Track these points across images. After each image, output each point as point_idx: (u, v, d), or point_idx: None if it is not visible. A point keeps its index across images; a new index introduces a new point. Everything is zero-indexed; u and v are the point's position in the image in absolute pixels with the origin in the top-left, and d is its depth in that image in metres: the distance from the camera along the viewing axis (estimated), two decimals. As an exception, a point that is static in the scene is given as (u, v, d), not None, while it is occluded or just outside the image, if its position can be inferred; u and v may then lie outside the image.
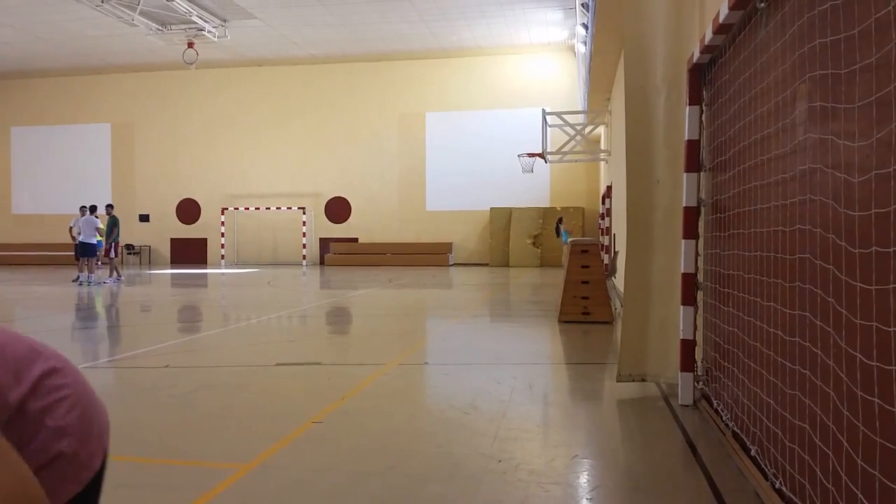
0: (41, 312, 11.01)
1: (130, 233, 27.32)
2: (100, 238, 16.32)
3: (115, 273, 16.78)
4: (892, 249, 1.80)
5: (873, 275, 1.92)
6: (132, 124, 28.32)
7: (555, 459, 3.60)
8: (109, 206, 17.15)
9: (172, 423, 4.36)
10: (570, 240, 9.94)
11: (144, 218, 28.11)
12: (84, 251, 15.94)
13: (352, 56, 25.56)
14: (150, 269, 24.48)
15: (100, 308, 11.71)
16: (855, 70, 2.07)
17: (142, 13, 19.58)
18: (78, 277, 16.23)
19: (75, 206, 17.80)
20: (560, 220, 20.40)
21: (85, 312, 11.18)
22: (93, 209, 16.39)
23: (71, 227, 16.86)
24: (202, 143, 27.58)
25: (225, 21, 21.28)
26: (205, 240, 27.68)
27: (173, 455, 3.73)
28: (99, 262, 16.72)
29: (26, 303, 12.65)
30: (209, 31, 21.12)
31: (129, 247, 27.42)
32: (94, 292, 14.28)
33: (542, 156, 18.97)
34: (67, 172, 28.39)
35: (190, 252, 27.70)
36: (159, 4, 19.13)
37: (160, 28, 20.91)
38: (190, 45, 21.73)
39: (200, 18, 20.35)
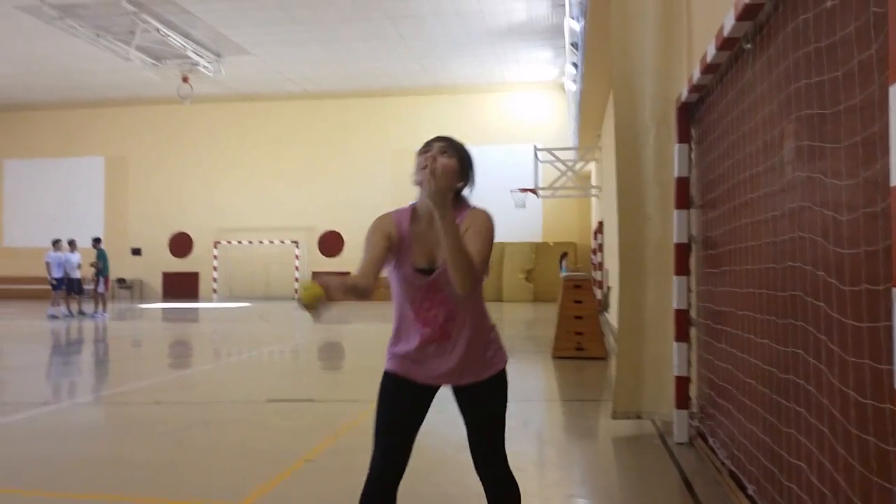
0: (25, 347, 10.88)
1: (122, 266, 27.19)
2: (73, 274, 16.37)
3: (100, 307, 16.66)
4: (881, 287, 1.81)
5: (864, 312, 1.93)
6: (126, 158, 28.39)
7: (550, 499, 3.56)
8: (95, 240, 17.05)
9: (163, 461, 4.29)
10: (563, 275, 9.96)
11: (136, 251, 28.00)
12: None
13: (345, 92, 25.83)
14: (140, 303, 24.31)
15: (85, 342, 11.59)
16: (840, 110, 2.12)
17: (137, 48, 19.77)
18: (82, 313, 16.63)
19: (68, 239, 17.67)
20: (564, 255, 20.51)
21: (73, 347, 11.06)
22: (55, 243, 16.48)
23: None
24: (195, 176, 27.64)
25: (219, 56, 21.51)
26: (197, 274, 27.55)
27: (164, 493, 3.66)
28: (65, 296, 16.56)
29: (12, 337, 12.51)
30: (204, 66, 21.33)
31: (120, 280, 27.26)
32: (57, 327, 14.15)
33: (534, 191, 19.11)
34: (60, 205, 28.32)
35: (182, 286, 27.53)
36: (155, 39, 19.33)
37: (155, 62, 21.10)
38: (184, 79, 21.92)
39: (195, 53, 20.57)
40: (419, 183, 2.21)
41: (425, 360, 2.30)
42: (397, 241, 2.25)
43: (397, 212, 2.33)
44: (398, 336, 2.34)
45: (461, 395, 2.36)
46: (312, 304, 2.00)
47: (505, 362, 2.41)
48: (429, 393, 2.36)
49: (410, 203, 2.34)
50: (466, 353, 2.29)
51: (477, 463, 2.41)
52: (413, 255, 2.25)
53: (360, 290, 2.13)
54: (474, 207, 2.29)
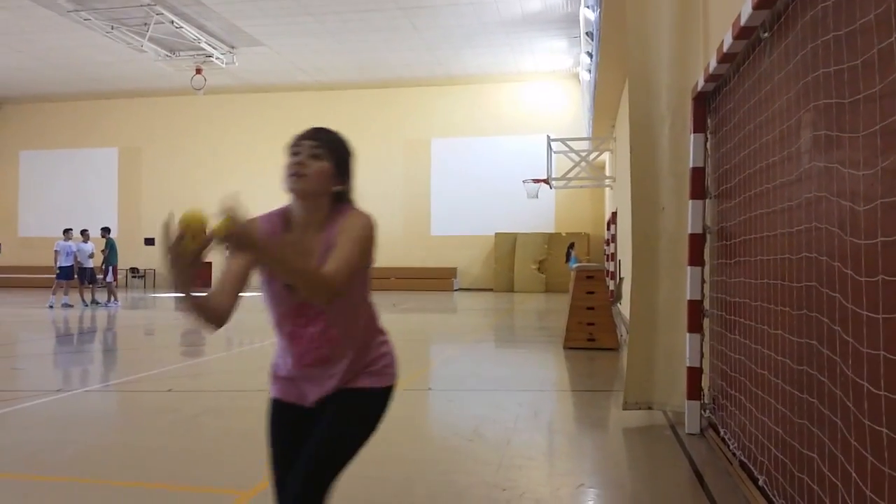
0: (39, 335, 11.01)
1: (135, 256, 27.41)
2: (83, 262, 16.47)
3: (112, 297, 16.82)
4: (899, 278, 1.79)
5: (880, 303, 1.91)
6: (140, 149, 28.57)
7: (560, 488, 3.57)
8: (104, 230, 17.21)
9: (174, 449, 4.33)
10: (575, 265, 9.93)
11: (150, 241, 28.22)
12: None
13: (358, 83, 25.82)
14: (153, 292, 24.51)
15: (98, 331, 11.70)
16: (859, 99, 2.09)
17: (151, 40, 19.85)
18: (95, 302, 16.75)
19: (80, 228, 17.83)
20: (571, 246, 20.45)
21: (86, 335, 11.18)
22: (65, 232, 16.60)
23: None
24: (208, 167, 27.77)
25: (233, 48, 21.55)
26: (210, 263, 27.71)
27: (175, 480, 3.70)
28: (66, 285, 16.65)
29: (26, 325, 12.66)
30: (217, 58, 21.39)
31: (133, 270, 27.48)
32: (70, 315, 14.29)
33: (546, 181, 19.04)
34: (74, 196, 28.58)
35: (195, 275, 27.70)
36: (168, 31, 19.40)
37: (169, 54, 21.18)
38: (198, 71, 21.98)
39: (209, 45, 20.62)
40: (290, 190, 1.94)
41: (308, 382, 2.02)
42: None
43: (267, 216, 2.00)
44: (280, 356, 2.07)
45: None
46: (194, 238, 1.73)
47: (390, 380, 2.08)
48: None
49: (281, 207, 2.02)
50: (351, 369, 2.01)
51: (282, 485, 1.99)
52: None
53: (207, 310, 1.88)
54: (356, 211, 1.98)
